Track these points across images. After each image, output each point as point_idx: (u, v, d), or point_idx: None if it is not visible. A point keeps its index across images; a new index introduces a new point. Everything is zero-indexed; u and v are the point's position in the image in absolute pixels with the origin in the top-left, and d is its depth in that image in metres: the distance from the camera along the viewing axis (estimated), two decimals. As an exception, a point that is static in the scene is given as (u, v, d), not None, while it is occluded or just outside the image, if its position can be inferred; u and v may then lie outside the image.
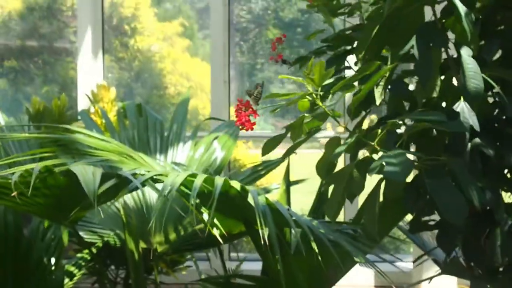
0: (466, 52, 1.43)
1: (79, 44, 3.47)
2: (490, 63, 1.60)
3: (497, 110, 1.62)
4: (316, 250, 1.59)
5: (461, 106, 1.47)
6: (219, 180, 1.61)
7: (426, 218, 1.77)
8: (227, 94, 3.45)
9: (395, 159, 1.36)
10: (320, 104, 1.52)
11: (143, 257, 2.20)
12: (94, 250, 2.27)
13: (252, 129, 1.64)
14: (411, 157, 1.41)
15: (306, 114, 1.57)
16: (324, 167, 1.61)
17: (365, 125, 1.82)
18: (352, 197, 1.62)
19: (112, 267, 2.61)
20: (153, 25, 4.10)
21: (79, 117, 2.59)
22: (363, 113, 1.81)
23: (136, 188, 1.65)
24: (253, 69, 4.04)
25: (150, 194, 2.38)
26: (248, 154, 4.13)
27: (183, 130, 2.56)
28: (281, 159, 2.44)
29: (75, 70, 3.88)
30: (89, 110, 2.75)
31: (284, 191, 2.28)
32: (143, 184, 1.64)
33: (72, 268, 2.27)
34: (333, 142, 1.58)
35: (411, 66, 1.61)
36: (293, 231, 2.10)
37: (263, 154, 1.62)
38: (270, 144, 1.61)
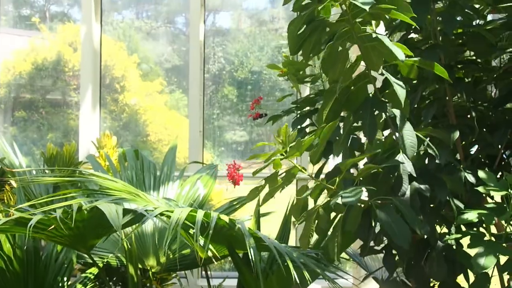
0: (401, 117, 1.51)
1: (82, 99, 3.46)
2: (425, 124, 1.69)
3: (427, 160, 1.71)
4: (292, 270, 1.62)
5: (401, 157, 1.55)
6: (214, 214, 1.64)
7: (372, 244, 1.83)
8: (201, 141, 3.48)
9: (350, 193, 1.43)
10: (290, 160, 1.57)
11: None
12: (97, 270, 2.26)
13: (241, 180, 1.71)
14: (363, 194, 1.48)
15: (278, 170, 1.62)
16: (298, 210, 1.66)
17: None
18: (320, 232, 1.67)
19: (111, 284, 2.59)
20: (138, 83, 4.13)
21: (86, 160, 2.58)
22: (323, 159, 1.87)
23: (146, 220, 1.67)
24: (210, 118, 4.08)
25: (146, 224, 2.38)
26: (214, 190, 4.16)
27: (172, 172, 2.58)
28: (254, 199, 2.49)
29: (75, 120, 3.86)
30: (93, 155, 2.74)
31: (255, 221, 2.31)
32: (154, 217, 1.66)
33: (79, 286, 2.24)
34: (303, 189, 1.64)
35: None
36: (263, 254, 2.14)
37: (248, 200, 1.67)
38: (253, 193, 1.65)
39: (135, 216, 1.64)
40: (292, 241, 3.50)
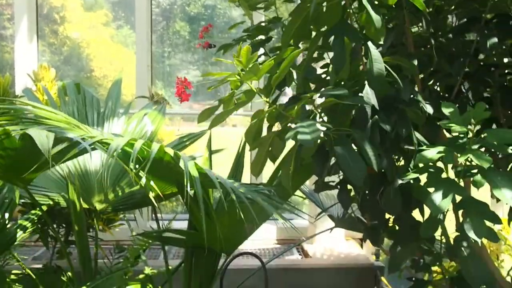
0: (371, 44, 1.52)
1: (16, 30, 3.35)
2: (382, 52, 1.70)
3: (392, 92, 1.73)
4: (238, 207, 1.62)
5: (365, 89, 1.56)
6: (155, 145, 1.61)
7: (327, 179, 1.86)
8: (149, 76, 3.44)
9: (308, 128, 1.43)
10: (249, 84, 1.57)
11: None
12: (42, 210, 2.24)
13: (187, 100, 1.67)
14: (320, 127, 1.49)
15: (235, 90, 1.61)
16: (252, 135, 1.67)
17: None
18: (273, 158, 1.69)
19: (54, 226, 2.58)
20: (80, 14, 4.01)
21: (22, 94, 2.52)
22: (277, 92, 1.88)
23: (85, 151, 1.64)
24: (161, 57, 4.02)
25: (89, 162, 2.36)
26: (165, 130, 4.14)
27: (117, 107, 2.54)
28: (205, 131, 2.49)
29: (10, 53, 3.75)
30: (31, 89, 2.68)
31: (207, 158, 2.31)
32: (92, 147, 1.63)
33: (25, 223, 2.23)
34: (259, 113, 1.64)
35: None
36: (216, 192, 2.15)
37: (199, 121, 1.65)
38: (205, 114, 1.64)
39: (71, 144, 1.60)
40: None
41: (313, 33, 1.64)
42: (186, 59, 4.19)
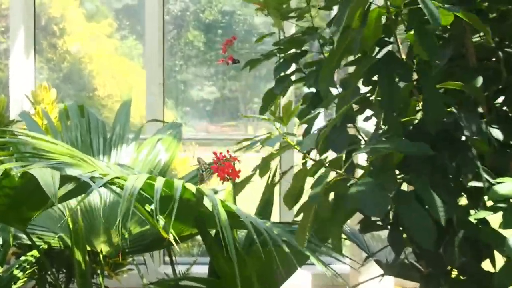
0: (430, 81, 1.46)
1: (11, 44, 3.37)
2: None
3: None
4: (272, 251, 1.60)
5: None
6: (178, 183, 1.60)
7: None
8: (161, 95, 3.42)
9: (372, 195, 1.36)
10: (292, 143, 1.53)
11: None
12: (37, 253, 2.22)
13: (239, 177, 1.67)
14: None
15: (273, 152, 1.58)
16: (292, 198, 1.62)
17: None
18: (322, 221, 1.63)
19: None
20: (82, 25, 4.03)
21: (19, 118, 2.52)
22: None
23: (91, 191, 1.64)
24: (171, 71, 4.01)
25: (95, 196, 2.35)
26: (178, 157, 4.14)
27: (126, 132, 2.53)
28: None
29: (3, 71, 3.77)
30: (28, 112, 2.68)
31: (230, 192, 2.27)
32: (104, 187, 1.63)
33: (16, 272, 2.21)
34: (301, 174, 1.59)
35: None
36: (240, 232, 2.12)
37: (236, 194, 1.64)
38: (241, 185, 1.62)
39: (78, 184, 1.60)
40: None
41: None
42: (201, 73, 4.17)
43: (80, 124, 2.48)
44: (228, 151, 1.72)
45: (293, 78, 1.94)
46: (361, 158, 2.38)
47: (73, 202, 2.32)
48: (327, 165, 1.50)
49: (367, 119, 1.70)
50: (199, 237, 3.98)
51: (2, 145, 1.94)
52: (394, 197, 1.41)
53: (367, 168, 1.54)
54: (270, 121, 1.54)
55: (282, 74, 1.92)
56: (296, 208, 1.67)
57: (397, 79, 1.45)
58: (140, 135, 2.64)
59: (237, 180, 1.71)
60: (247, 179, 1.61)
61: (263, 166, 1.58)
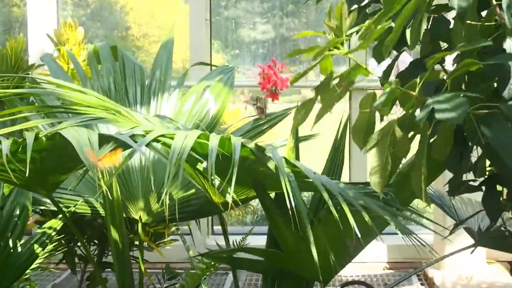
0: None
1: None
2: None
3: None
4: (350, 217, 1.61)
5: (508, 43, 1.50)
6: (236, 141, 1.61)
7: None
8: (208, 34, 3.46)
9: (447, 103, 1.39)
10: (352, 57, 1.54)
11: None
12: (63, 220, 2.28)
13: (287, 86, 1.65)
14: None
15: (333, 71, 1.58)
16: (362, 131, 1.64)
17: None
18: (396, 161, 1.65)
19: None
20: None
21: (41, 62, 2.58)
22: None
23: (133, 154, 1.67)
24: (217, 6, 4.03)
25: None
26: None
27: (167, 78, 2.56)
28: (290, 109, 2.49)
29: (19, 6, 3.85)
30: (51, 55, 2.73)
31: (292, 149, 2.30)
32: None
33: (37, 247, 2.27)
34: (369, 98, 1.61)
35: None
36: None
37: (296, 124, 1.64)
38: (302, 112, 1.62)
39: (117, 145, 1.63)
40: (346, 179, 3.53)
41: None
42: (252, 9, 4.17)
43: (113, 68, 2.52)
44: (273, 59, 1.71)
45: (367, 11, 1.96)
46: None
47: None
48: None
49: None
50: (253, 203, 4.05)
51: (20, 95, 1.98)
52: (479, 117, 1.43)
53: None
54: (322, 34, 1.53)
55: (356, 6, 1.93)
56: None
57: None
58: (184, 82, 2.67)
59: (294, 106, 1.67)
60: (310, 102, 1.60)
61: (324, 86, 1.58)
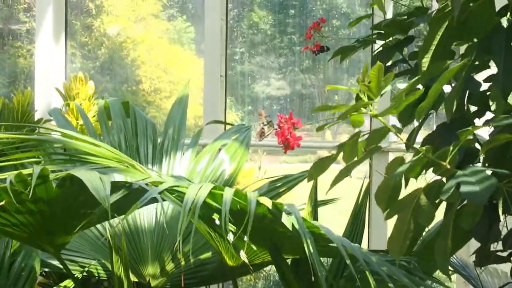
0: None
1: (38, 25, 3.48)
2: None
3: None
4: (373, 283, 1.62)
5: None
6: (252, 195, 1.64)
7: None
8: (223, 91, 3.49)
9: (473, 177, 1.41)
10: (380, 119, 1.56)
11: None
12: (76, 282, 2.29)
13: (298, 145, 1.67)
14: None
15: (361, 130, 1.61)
16: (386, 195, 1.65)
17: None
18: (419, 229, 1.67)
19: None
20: (122, 2, 4.13)
21: (49, 117, 2.61)
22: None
23: (149, 202, 1.68)
24: (231, 60, 4.05)
25: (141, 216, 2.42)
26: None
27: (181, 136, 2.60)
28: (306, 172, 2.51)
29: (26, 57, 3.89)
30: (60, 109, 2.77)
31: (310, 213, 2.32)
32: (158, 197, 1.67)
33: (49, 306, 2.29)
34: (396, 163, 1.63)
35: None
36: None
37: (310, 179, 1.66)
38: (318, 167, 1.65)
39: (129, 193, 1.64)
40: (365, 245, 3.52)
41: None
42: (267, 64, 4.19)
43: (124, 125, 2.55)
44: (291, 113, 1.72)
45: (395, 71, 1.99)
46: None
47: (115, 221, 2.39)
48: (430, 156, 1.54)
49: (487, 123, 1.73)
50: (266, 268, 4.03)
51: (28, 141, 1.98)
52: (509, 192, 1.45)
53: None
54: (356, 92, 1.55)
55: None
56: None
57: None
58: (200, 141, 2.71)
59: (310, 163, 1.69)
60: (329, 159, 1.62)
61: (349, 147, 1.60)
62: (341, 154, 1.65)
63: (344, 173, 1.64)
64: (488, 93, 1.93)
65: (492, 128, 1.63)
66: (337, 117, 1.59)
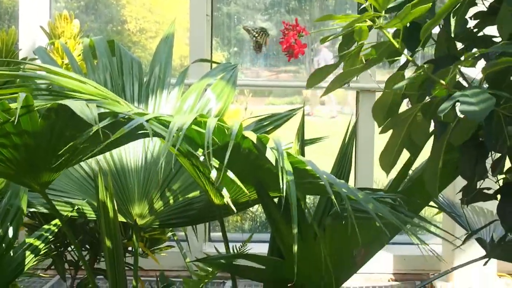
0: None
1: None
2: None
3: None
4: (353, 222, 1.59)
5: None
6: (235, 125, 1.59)
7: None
8: (209, 30, 3.47)
9: (473, 98, 1.40)
10: (385, 32, 1.55)
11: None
12: (62, 223, 2.29)
13: (303, 53, 1.64)
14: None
15: (365, 42, 1.60)
16: (383, 110, 1.65)
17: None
18: (413, 147, 1.67)
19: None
20: None
21: (33, 55, 2.58)
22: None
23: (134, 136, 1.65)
24: (217, 1, 4.01)
25: (128, 153, 2.41)
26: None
27: (167, 75, 2.57)
28: (296, 110, 2.50)
29: (10, -4, 3.86)
30: (45, 48, 2.74)
31: (298, 151, 2.30)
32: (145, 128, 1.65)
33: (37, 243, 2.28)
34: (395, 78, 1.61)
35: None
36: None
37: (309, 86, 1.64)
38: (318, 75, 1.63)
39: (116, 121, 1.60)
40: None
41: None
42: (253, 5, 4.17)
43: (110, 64, 2.53)
44: (296, 20, 1.69)
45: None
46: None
47: (101, 160, 2.38)
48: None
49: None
50: (251, 208, 4.04)
51: (14, 77, 1.96)
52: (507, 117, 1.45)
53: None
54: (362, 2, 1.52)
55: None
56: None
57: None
58: (186, 80, 2.69)
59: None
60: (329, 67, 1.62)
61: (350, 57, 1.59)
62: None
63: (340, 79, 1.62)
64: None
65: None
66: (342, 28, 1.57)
